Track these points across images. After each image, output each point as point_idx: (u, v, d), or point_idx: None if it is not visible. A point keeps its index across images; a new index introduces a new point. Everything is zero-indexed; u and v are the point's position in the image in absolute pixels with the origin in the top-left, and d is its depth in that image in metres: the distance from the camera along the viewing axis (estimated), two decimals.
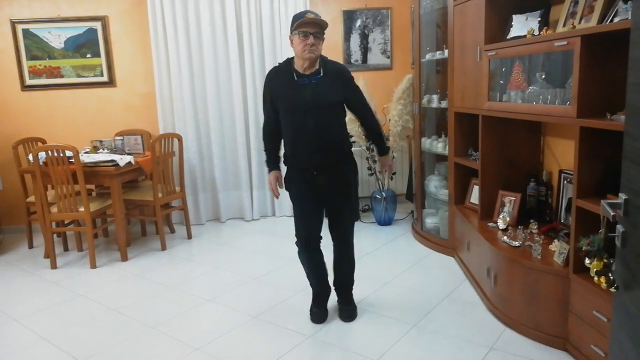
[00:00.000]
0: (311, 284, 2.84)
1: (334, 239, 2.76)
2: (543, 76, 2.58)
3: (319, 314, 2.79)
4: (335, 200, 2.68)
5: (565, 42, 2.21)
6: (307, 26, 2.42)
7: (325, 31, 2.50)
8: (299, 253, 2.74)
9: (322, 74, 2.53)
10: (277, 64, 2.65)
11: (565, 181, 2.82)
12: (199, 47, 4.63)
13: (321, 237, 2.72)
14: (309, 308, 2.84)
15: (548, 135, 3.13)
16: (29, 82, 4.71)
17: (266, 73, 4.64)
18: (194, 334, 2.71)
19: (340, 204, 2.70)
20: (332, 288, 2.86)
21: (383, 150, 2.82)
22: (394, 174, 4.67)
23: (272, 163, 2.74)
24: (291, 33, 2.49)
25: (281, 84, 2.56)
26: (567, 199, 2.78)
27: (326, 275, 2.81)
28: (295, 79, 2.52)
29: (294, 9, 4.60)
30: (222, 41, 4.65)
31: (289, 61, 2.59)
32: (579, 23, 2.34)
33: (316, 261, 2.76)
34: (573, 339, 2.30)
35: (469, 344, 2.48)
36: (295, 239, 2.72)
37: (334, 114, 2.60)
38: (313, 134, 2.53)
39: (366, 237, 4.24)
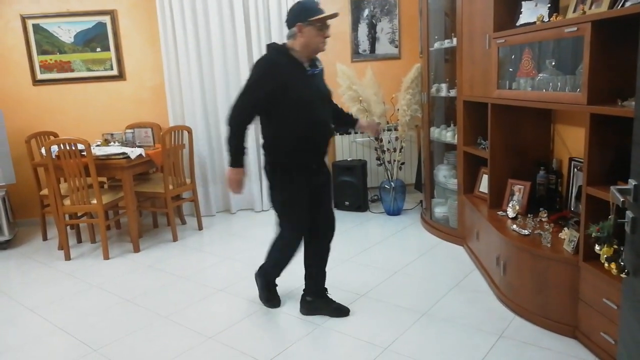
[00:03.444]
0: (277, 273, 2.84)
1: (322, 236, 2.72)
2: (553, 63, 2.56)
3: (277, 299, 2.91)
4: (328, 194, 2.71)
5: (575, 28, 2.19)
6: (328, 19, 2.38)
7: None
8: (294, 245, 2.67)
9: (318, 67, 2.52)
10: (271, 53, 2.48)
11: (575, 169, 2.80)
12: (207, 39, 4.64)
13: None
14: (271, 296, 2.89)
15: (558, 123, 3.11)
16: (40, 76, 4.76)
17: None
18: (207, 323, 2.75)
19: (329, 198, 2.74)
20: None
21: (353, 117, 2.85)
22: (403, 163, 4.67)
23: (242, 158, 2.52)
24: (302, 23, 2.35)
25: (292, 74, 2.41)
26: (577, 187, 2.77)
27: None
28: (307, 68, 2.45)
29: None
30: (230, 32, 4.65)
31: (286, 50, 2.45)
32: (590, 8, 2.31)
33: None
34: (583, 326, 2.30)
35: (478, 332, 2.49)
36: (291, 232, 2.64)
37: (331, 107, 2.65)
38: (324, 126, 2.53)
39: (375, 227, 4.25)
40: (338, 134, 4.98)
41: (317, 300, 2.77)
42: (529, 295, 2.55)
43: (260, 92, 2.39)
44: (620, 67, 2.13)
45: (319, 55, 2.53)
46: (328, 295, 2.80)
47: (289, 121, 2.44)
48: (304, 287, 2.80)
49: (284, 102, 2.39)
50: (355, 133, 4.89)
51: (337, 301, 2.78)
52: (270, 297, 2.90)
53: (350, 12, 4.93)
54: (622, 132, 2.14)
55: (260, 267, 2.88)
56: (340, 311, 2.73)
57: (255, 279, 2.93)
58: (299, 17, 2.37)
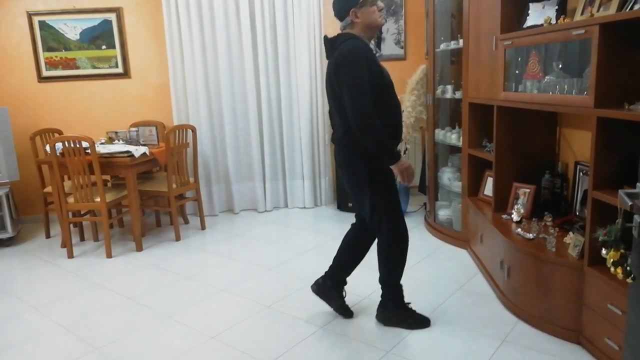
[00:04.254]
0: (399, 287, 2.61)
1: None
2: (560, 66, 2.54)
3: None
4: None
5: (583, 31, 2.17)
6: None
7: None
8: (404, 246, 2.55)
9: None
10: (355, 42, 2.29)
11: (581, 173, 2.78)
12: (212, 38, 4.64)
13: None
14: (413, 317, 2.60)
15: (564, 126, 3.08)
16: (45, 73, 4.77)
17: (279, 61, 4.70)
18: (209, 323, 2.74)
19: None
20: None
21: None
22: None
23: (396, 149, 2.38)
24: (355, 8, 2.30)
25: (374, 58, 2.32)
26: (582, 191, 2.74)
27: None
28: (376, 52, 2.43)
29: None
30: (235, 31, 4.65)
31: (358, 37, 2.34)
32: (598, 11, 2.29)
33: None
34: (587, 332, 2.28)
35: (481, 336, 2.47)
36: (398, 241, 2.53)
37: None
38: (400, 108, 2.47)
39: None
40: None
41: (333, 289, 2.71)
42: (533, 299, 2.52)
43: (367, 82, 2.23)
44: (628, 71, 2.11)
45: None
46: (344, 289, 2.76)
47: (383, 107, 2.31)
48: (328, 270, 2.72)
49: (380, 88, 2.29)
50: None
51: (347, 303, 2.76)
52: (419, 318, 2.61)
53: None
54: (629, 136, 2.12)
55: (385, 300, 2.63)
56: (346, 311, 2.72)
57: (382, 320, 2.64)
58: (348, 4, 2.32)
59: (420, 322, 2.59)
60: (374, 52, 2.41)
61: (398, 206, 2.53)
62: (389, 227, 2.50)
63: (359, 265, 2.73)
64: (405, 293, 2.65)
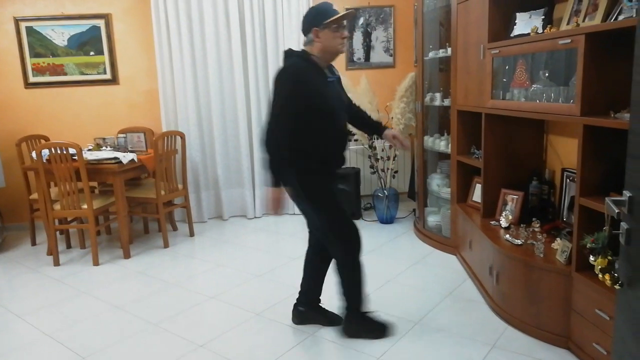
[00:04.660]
0: (361, 295, 2.55)
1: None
2: (547, 74, 2.57)
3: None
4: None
5: (569, 40, 2.21)
6: (343, 19, 2.32)
7: None
8: (353, 260, 2.48)
9: (335, 74, 2.46)
10: (294, 61, 2.34)
11: (568, 179, 2.81)
12: (201, 44, 4.63)
13: None
14: (377, 326, 2.57)
15: (551, 134, 3.12)
16: (32, 79, 4.72)
17: (269, 69, 4.71)
18: (197, 331, 2.72)
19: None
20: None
21: (380, 126, 2.66)
22: (397, 172, 4.67)
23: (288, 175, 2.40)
24: (317, 27, 2.29)
25: (317, 81, 2.33)
26: (569, 197, 2.78)
27: None
28: (327, 76, 2.39)
29: (297, 5, 4.61)
30: (225, 38, 4.65)
31: (308, 56, 2.36)
32: (583, 21, 2.33)
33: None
34: (575, 337, 2.30)
35: (471, 342, 2.48)
36: (348, 247, 2.47)
37: (349, 115, 2.59)
38: (344, 134, 2.48)
39: (368, 235, 4.24)
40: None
41: (311, 311, 2.74)
42: (522, 305, 2.54)
43: (294, 106, 2.27)
44: (613, 79, 2.15)
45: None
46: (321, 305, 2.77)
47: (315, 130, 2.34)
48: (299, 296, 2.75)
49: (311, 110, 2.30)
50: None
51: (330, 310, 2.76)
52: (375, 326, 2.58)
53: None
54: (614, 144, 2.15)
55: (347, 312, 2.58)
56: (335, 321, 2.71)
57: (347, 333, 2.59)
58: (313, 22, 2.32)
59: (380, 330, 2.56)
60: (327, 75, 2.41)
61: (339, 208, 2.46)
62: (333, 230, 2.45)
63: None
64: (394, 299, 2.66)
